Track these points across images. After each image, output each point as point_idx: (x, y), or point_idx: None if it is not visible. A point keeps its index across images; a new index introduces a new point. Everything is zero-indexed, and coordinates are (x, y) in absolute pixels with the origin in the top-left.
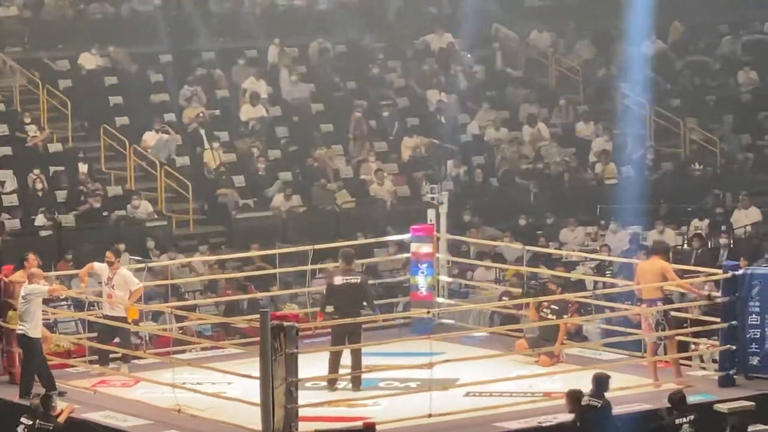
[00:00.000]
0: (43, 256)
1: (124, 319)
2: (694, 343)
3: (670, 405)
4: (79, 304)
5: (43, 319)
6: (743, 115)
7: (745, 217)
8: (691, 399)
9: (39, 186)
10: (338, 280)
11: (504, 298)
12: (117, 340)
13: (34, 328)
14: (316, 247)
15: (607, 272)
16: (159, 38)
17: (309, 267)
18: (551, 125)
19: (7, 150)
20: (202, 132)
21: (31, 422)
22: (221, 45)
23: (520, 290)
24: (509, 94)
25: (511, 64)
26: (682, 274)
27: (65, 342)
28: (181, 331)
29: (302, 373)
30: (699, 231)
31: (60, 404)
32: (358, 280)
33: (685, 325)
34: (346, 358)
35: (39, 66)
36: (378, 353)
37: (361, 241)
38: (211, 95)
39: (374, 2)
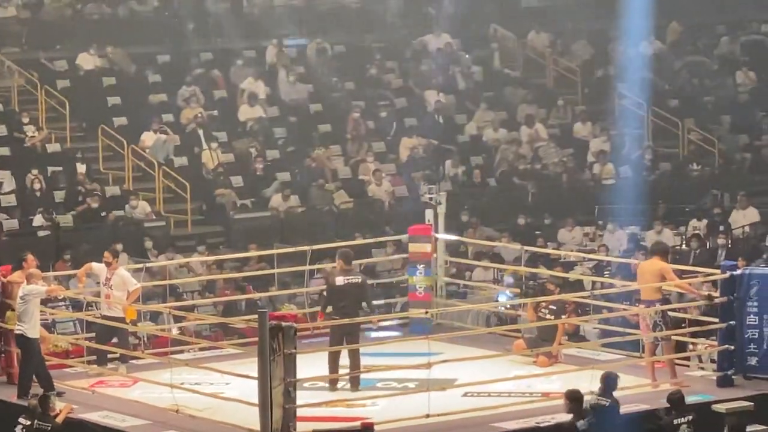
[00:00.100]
0: (41, 257)
1: (122, 320)
2: (693, 344)
3: (668, 405)
4: (77, 305)
5: (41, 320)
6: (741, 115)
7: (743, 218)
8: (690, 399)
9: (37, 186)
10: (340, 280)
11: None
12: (115, 340)
13: (32, 329)
14: (315, 247)
15: (605, 272)
16: (157, 38)
17: (307, 267)
18: (549, 126)
19: (5, 150)
20: (201, 132)
21: (29, 422)
22: (219, 45)
23: (518, 290)
24: (507, 95)
25: (509, 64)
26: (680, 274)
27: (63, 342)
28: (179, 332)
29: (300, 374)
30: (697, 231)
31: (58, 404)
32: (359, 280)
33: (683, 325)
34: (343, 358)
35: (37, 66)
36: (376, 353)
37: (359, 241)
38: (209, 96)
39: (372, 3)
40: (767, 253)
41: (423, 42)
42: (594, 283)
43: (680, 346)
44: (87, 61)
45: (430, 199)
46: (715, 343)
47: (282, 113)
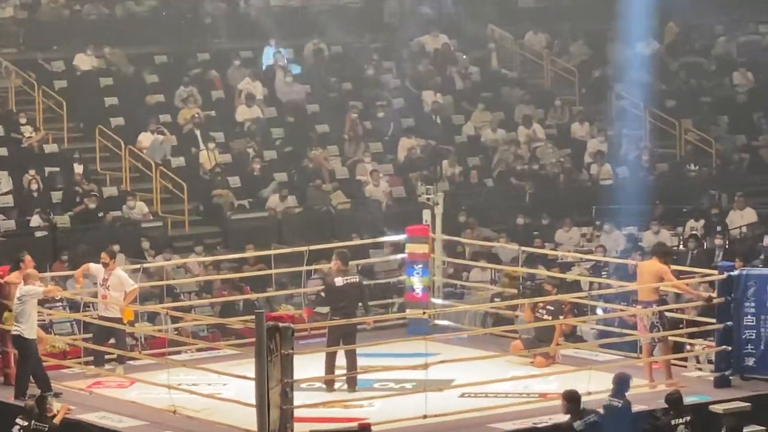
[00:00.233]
0: (38, 257)
1: (119, 320)
2: (690, 344)
3: (666, 405)
4: (74, 305)
5: (38, 320)
6: (738, 115)
7: (740, 218)
8: (687, 400)
9: (34, 187)
10: (339, 281)
11: (496, 299)
12: (112, 341)
13: (29, 329)
14: (312, 247)
15: (602, 273)
16: (154, 39)
17: (304, 268)
18: (546, 126)
19: (2, 151)
20: (198, 133)
21: (26, 423)
22: (216, 46)
23: (515, 291)
24: (504, 95)
25: (506, 65)
26: (677, 274)
27: (60, 343)
28: (176, 332)
29: (297, 374)
30: (694, 232)
31: (55, 405)
32: (357, 280)
33: (681, 326)
34: (340, 359)
35: (34, 67)
36: (373, 354)
37: (357, 242)
38: (206, 96)
39: (370, 3)
40: (764, 254)
41: (420, 42)
42: (591, 283)
43: (678, 347)
44: (84, 61)
45: (428, 199)
46: (713, 343)
47: (279, 113)
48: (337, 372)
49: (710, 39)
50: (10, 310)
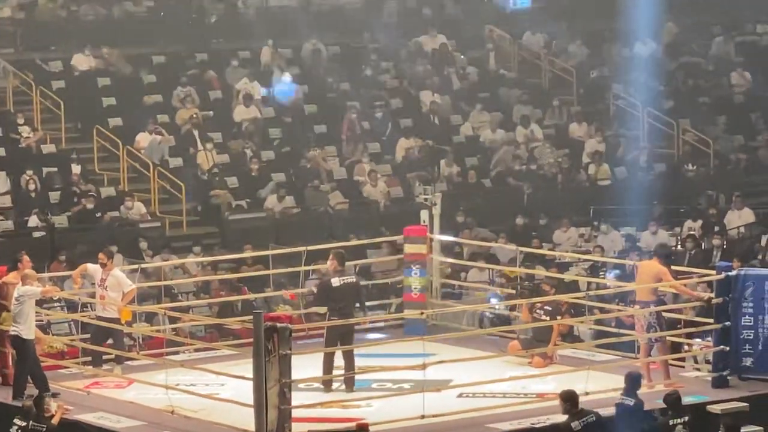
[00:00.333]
0: (36, 258)
1: (117, 321)
2: (688, 344)
3: (665, 406)
4: (72, 306)
5: (36, 321)
6: (736, 116)
7: (738, 218)
8: (685, 400)
9: (32, 187)
10: (336, 281)
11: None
12: (110, 341)
13: (27, 330)
14: (310, 248)
15: (600, 273)
16: (152, 39)
17: (302, 268)
18: (544, 126)
19: (0, 151)
20: (196, 133)
21: (24, 423)
22: (214, 46)
23: (513, 291)
24: (502, 95)
25: (504, 65)
26: (675, 275)
27: (58, 343)
28: (174, 333)
29: (295, 375)
30: (692, 232)
31: (53, 405)
32: (354, 280)
33: (678, 326)
34: (338, 359)
35: (32, 67)
36: (371, 354)
37: (355, 242)
38: (204, 96)
39: (368, 3)
40: (762, 254)
41: (418, 43)
42: (589, 283)
43: (675, 347)
44: (82, 61)
45: (426, 199)
46: (710, 343)
47: (277, 114)
48: (335, 372)
49: (708, 39)
50: (8, 311)
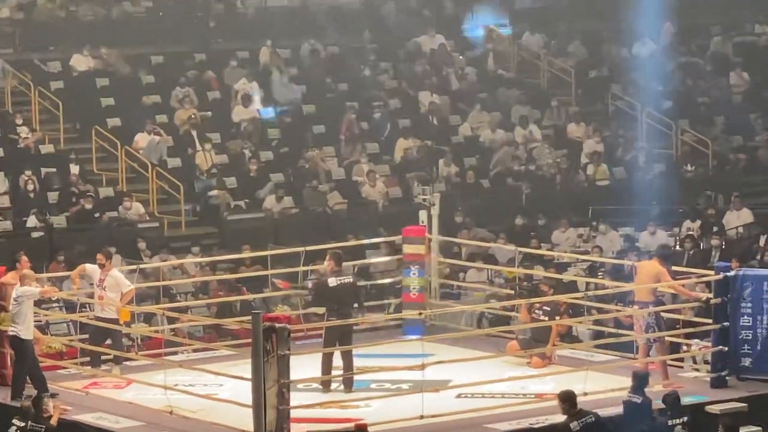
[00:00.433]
0: (34, 258)
1: (115, 321)
2: (687, 345)
3: (664, 406)
4: (70, 306)
5: (34, 321)
6: (735, 116)
7: (736, 219)
8: (683, 400)
9: (31, 187)
10: (332, 281)
11: (491, 300)
12: (109, 341)
13: (25, 330)
14: (308, 248)
15: (599, 273)
16: (150, 40)
17: (301, 268)
18: (543, 126)
19: None
20: (194, 133)
21: (23, 424)
22: (213, 46)
23: (512, 291)
24: (501, 96)
25: (503, 65)
26: (674, 275)
27: (57, 343)
28: (172, 333)
29: (294, 375)
30: (691, 232)
31: (51, 406)
32: (351, 280)
33: (677, 326)
34: (336, 359)
35: (30, 68)
36: (370, 355)
37: (353, 242)
38: (203, 97)
39: (366, 4)
40: (761, 254)
41: (417, 43)
42: (588, 284)
43: (674, 348)
44: (80, 62)
45: (424, 200)
46: (709, 344)
47: (276, 114)
48: (334, 372)
49: (706, 39)
50: (7, 311)
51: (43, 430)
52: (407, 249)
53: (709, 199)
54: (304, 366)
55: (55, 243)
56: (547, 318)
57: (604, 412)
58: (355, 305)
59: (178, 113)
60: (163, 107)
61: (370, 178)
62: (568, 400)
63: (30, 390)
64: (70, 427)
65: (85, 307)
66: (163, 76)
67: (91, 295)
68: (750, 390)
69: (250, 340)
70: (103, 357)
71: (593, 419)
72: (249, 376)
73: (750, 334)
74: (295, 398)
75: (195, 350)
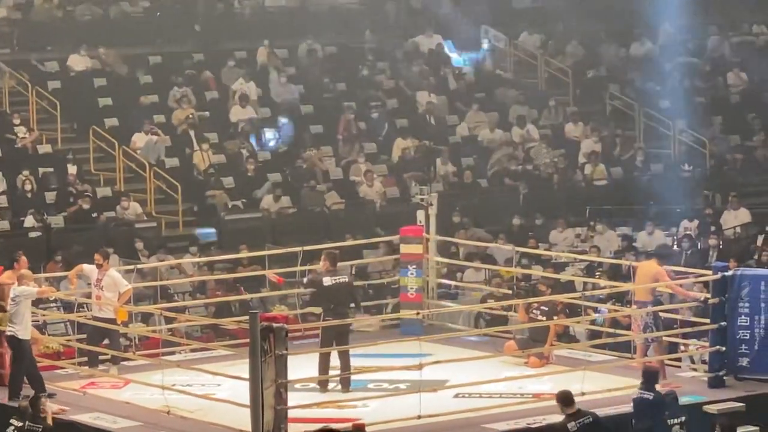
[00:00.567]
0: (32, 258)
1: (113, 321)
2: (684, 345)
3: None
4: (68, 306)
5: (32, 321)
6: (732, 116)
7: (734, 218)
8: (681, 400)
9: (28, 187)
10: (328, 281)
11: (489, 300)
12: (106, 341)
13: (23, 330)
14: (306, 248)
15: (596, 273)
16: (148, 39)
17: (299, 268)
18: (540, 126)
19: None
20: (192, 133)
21: (20, 424)
22: (211, 46)
23: (509, 291)
24: (498, 96)
25: (500, 65)
26: (673, 276)
27: (54, 343)
28: (170, 333)
29: (291, 375)
30: (688, 232)
31: (49, 406)
32: (346, 279)
33: (675, 326)
34: (334, 359)
35: (28, 67)
36: (367, 354)
37: (351, 242)
38: (200, 96)
39: (364, 4)
40: (758, 254)
41: (414, 43)
42: (585, 283)
43: (672, 347)
44: (78, 62)
45: (422, 200)
46: (707, 344)
47: (273, 114)
48: (331, 372)
49: (704, 39)
50: (4, 311)
51: (40, 430)
52: (405, 249)
53: (706, 199)
54: (302, 366)
55: (53, 243)
56: (544, 318)
57: (601, 412)
58: (352, 305)
59: (175, 113)
60: (160, 107)
61: (368, 177)
62: (565, 400)
63: (27, 390)
64: (67, 427)
65: (83, 307)
66: (160, 76)
67: (88, 295)
68: (747, 390)
69: (247, 340)
70: (100, 357)
71: (591, 419)
72: (246, 376)
73: (747, 334)
74: (293, 398)
75: (192, 350)
